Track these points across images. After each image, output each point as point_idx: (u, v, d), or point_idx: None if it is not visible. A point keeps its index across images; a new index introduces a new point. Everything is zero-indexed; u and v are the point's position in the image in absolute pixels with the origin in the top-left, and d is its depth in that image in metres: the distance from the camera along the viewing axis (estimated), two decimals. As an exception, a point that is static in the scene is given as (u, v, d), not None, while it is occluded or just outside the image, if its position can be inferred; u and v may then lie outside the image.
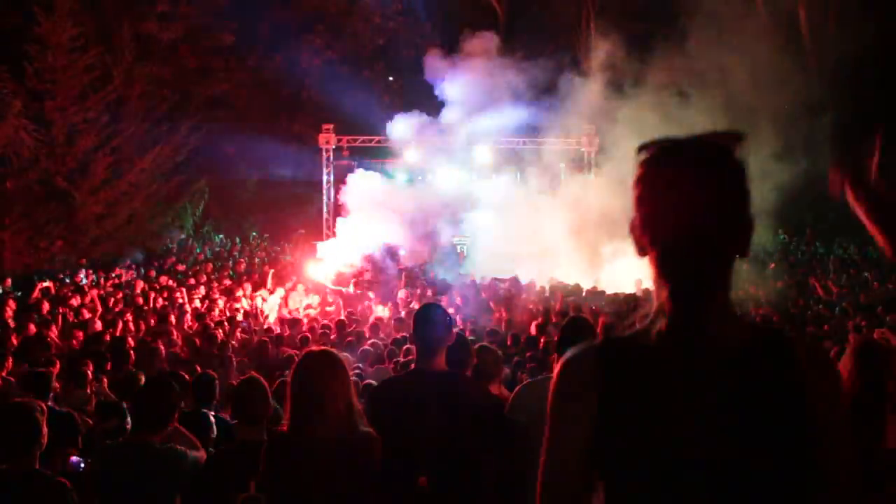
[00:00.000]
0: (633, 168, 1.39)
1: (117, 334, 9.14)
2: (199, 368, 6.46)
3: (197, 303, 12.97)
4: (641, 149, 1.37)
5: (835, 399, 1.31)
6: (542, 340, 7.78)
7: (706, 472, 1.25)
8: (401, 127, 18.86)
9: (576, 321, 3.87)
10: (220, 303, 12.96)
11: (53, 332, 9.08)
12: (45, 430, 3.11)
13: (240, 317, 11.65)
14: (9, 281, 13.65)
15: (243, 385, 3.81)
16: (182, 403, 3.53)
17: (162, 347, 7.89)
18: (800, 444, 1.26)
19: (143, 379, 5.30)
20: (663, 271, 1.33)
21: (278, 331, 9.94)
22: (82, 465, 3.83)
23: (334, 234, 20.29)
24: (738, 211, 1.32)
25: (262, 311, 12.56)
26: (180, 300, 12.79)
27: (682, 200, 1.30)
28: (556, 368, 1.42)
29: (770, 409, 1.27)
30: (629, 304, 12.03)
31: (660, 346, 1.31)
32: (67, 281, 14.48)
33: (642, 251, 1.37)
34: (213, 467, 3.53)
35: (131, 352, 7.61)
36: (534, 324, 9.34)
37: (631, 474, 1.30)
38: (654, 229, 1.34)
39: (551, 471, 1.39)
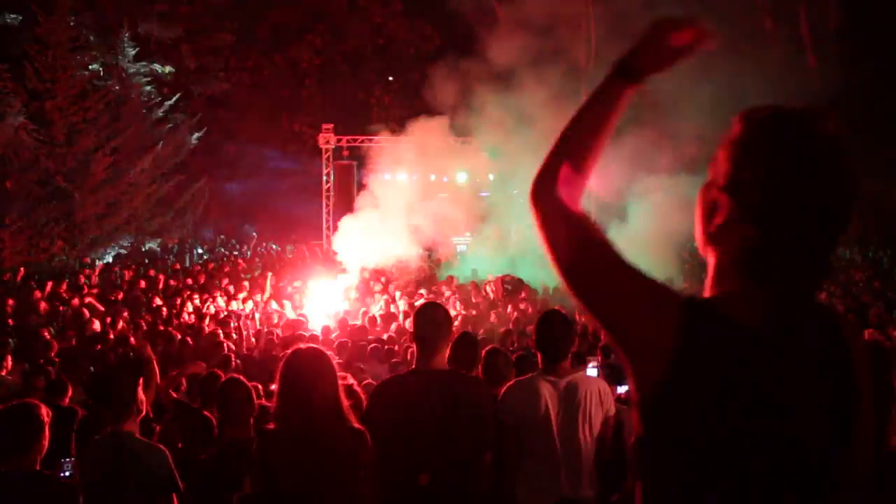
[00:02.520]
0: (725, 138, 1.30)
1: (116, 334, 9.13)
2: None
3: (196, 302, 12.94)
4: (742, 117, 1.30)
5: (869, 377, 1.31)
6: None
7: (787, 448, 1.23)
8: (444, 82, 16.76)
9: (552, 315, 3.76)
10: (221, 302, 12.94)
11: (52, 332, 9.06)
12: (47, 431, 3.09)
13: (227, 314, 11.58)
14: (22, 270, 13.63)
15: (225, 386, 3.79)
16: (140, 391, 3.42)
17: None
18: (851, 427, 1.26)
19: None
20: (770, 242, 1.25)
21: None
22: (67, 472, 3.75)
23: (333, 235, 20.27)
24: (854, 189, 1.27)
25: (264, 312, 12.51)
26: (179, 300, 12.77)
27: (807, 175, 1.23)
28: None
29: (838, 382, 1.26)
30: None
31: (751, 318, 1.25)
32: (68, 280, 14.47)
33: (728, 222, 1.29)
34: (208, 468, 3.52)
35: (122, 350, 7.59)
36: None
37: (694, 445, 1.22)
38: (761, 200, 1.25)
39: None
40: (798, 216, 1.24)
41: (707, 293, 1.33)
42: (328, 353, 3.00)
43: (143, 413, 3.47)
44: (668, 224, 13.78)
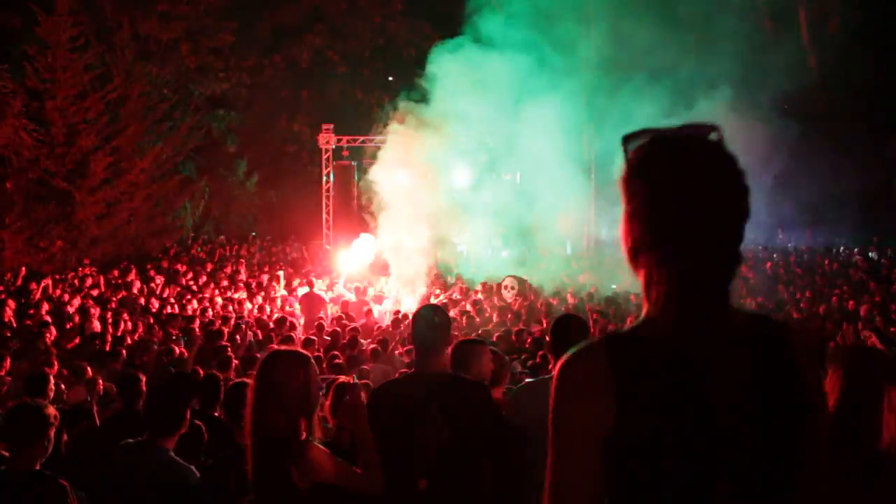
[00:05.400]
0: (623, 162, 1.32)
1: (117, 334, 9.15)
2: (199, 369, 6.47)
3: (195, 303, 12.95)
4: (628, 139, 1.32)
5: (819, 385, 1.34)
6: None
7: (735, 460, 1.25)
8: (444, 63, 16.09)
9: (567, 319, 3.79)
10: (219, 302, 12.96)
11: (53, 333, 9.07)
12: (51, 433, 3.10)
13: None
14: (23, 270, 13.63)
15: (235, 389, 3.79)
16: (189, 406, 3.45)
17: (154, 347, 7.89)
18: (800, 429, 1.27)
19: (143, 379, 5.23)
20: (672, 265, 1.27)
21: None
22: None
23: (333, 235, 20.27)
24: (744, 202, 1.29)
25: (269, 311, 12.52)
26: (177, 300, 12.79)
27: (695, 195, 1.26)
28: (557, 369, 1.32)
29: (778, 393, 1.28)
30: (609, 305, 12.24)
31: (672, 338, 1.27)
32: (68, 279, 14.47)
33: (638, 248, 1.32)
34: (214, 474, 3.51)
35: (122, 350, 7.61)
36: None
37: (654, 469, 1.24)
38: (661, 224, 1.28)
39: (561, 479, 1.29)
40: (689, 236, 1.26)
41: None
42: (306, 354, 2.86)
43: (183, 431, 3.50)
44: None
